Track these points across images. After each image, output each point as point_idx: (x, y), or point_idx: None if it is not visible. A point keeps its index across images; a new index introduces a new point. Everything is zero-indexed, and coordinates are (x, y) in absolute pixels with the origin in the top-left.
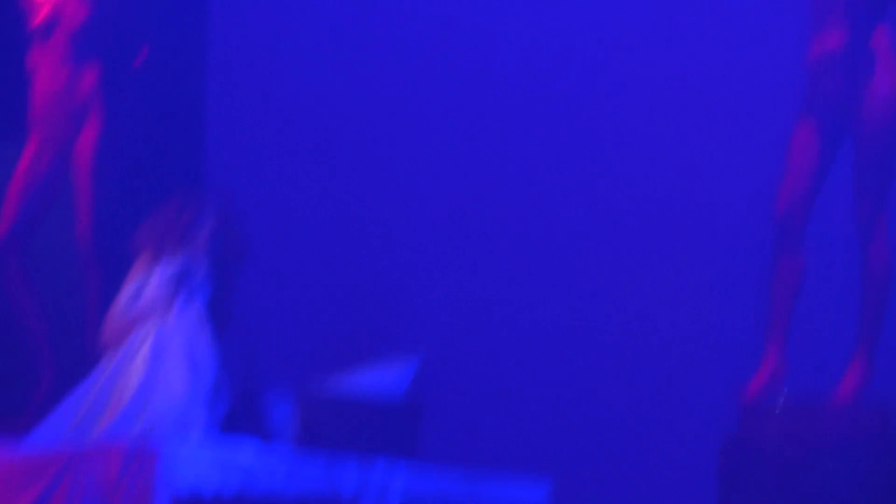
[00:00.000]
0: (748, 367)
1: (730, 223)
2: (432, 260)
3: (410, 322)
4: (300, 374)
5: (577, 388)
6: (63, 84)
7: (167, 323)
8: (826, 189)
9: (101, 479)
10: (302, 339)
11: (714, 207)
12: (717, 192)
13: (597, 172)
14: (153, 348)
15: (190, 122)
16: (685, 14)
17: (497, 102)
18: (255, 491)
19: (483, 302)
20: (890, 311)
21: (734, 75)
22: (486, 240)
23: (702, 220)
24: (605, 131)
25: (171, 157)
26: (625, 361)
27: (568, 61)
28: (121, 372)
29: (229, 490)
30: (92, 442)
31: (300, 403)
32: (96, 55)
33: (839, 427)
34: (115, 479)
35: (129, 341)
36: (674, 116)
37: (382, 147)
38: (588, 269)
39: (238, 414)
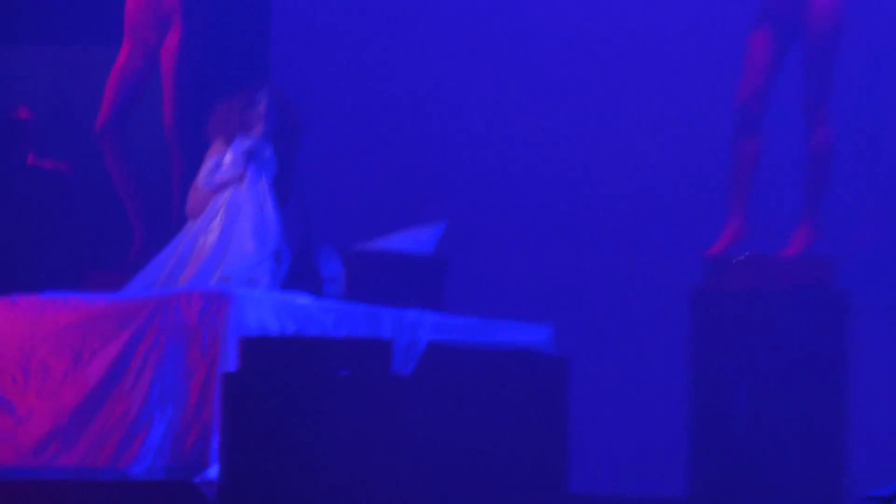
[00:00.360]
0: (715, 230)
1: (697, 110)
2: (457, 142)
3: (439, 194)
4: (348, 236)
5: (574, 248)
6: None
7: (239, 193)
8: (779, 83)
9: (184, 318)
10: (350, 208)
11: (684, 97)
12: (685, 84)
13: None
14: (227, 214)
15: (256, 28)
16: None
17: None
18: (309, 332)
19: (499, 178)
20: (829, 182)
21: None
22: (501, 124)
23: (673, 107)
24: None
25: (239, 56)
26: (613, 227)
27: None
28: (201, 233)
29: (288, 330)
30: (178, 289)
31: (347, 260)
32: None
33: (789, 277)
34: (196, 318)
35: (207, 209)
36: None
37: (416, 48)
38: (581, 151)
39: (296, 268)
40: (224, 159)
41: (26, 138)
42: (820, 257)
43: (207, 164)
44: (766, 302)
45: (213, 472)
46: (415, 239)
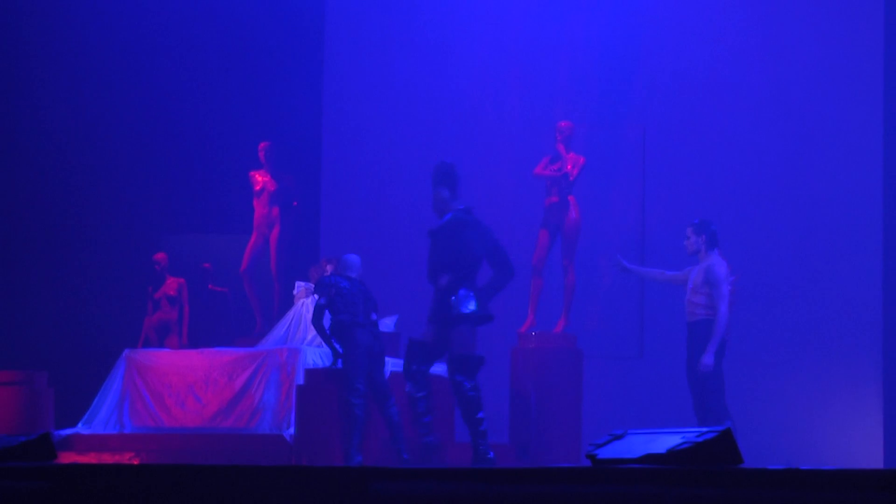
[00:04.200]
0: (521, 320)
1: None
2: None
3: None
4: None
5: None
6: (266, 211)
7: (306, 305)
8: (554, 250)
9: (280, 359)
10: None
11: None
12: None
13: None
14: (300, 315)
15: (312, 229)
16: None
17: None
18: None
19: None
20: (575, 299)
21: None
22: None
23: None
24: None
25: (308, 242)
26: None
27: None
28: (286, 323)
29: (324, 365)
30: (278, 346)
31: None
32: (277, 202)
33: (555, 341)
34: (285, 359)
35: (294, 310)
36: None
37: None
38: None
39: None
40: (301, 289)
41: (209, 278)
42: (568, 333)
43: (297, 290)
44: (543, 353)
45: (291, 431)
46: (385, 324)
